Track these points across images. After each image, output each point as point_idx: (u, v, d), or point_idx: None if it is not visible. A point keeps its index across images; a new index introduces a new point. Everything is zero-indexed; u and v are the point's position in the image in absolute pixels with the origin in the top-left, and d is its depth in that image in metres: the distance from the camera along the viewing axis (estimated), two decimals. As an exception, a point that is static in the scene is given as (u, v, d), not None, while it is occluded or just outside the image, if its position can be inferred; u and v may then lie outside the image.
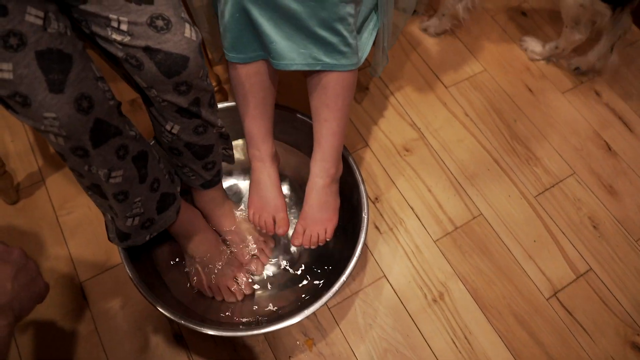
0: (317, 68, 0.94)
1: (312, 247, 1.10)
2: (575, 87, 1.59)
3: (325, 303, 1.02)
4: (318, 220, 1.09)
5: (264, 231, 1.13)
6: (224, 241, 1.19)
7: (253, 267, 1.18)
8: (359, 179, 1.15)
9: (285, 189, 1.29)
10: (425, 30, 1.67)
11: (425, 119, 1.50)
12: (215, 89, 1.33)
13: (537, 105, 1.55)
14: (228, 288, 1.13)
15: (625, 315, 1.24)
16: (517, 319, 1.22)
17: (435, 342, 1.19)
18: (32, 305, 0.70)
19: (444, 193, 1.39)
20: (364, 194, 1.14)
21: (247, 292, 1.15)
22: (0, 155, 1.33)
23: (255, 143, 1.08)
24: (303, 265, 1.20)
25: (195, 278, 1.14)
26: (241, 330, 1.01)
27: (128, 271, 1.03)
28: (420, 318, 1.21)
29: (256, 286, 1.17)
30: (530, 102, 1.55)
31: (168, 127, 0.94)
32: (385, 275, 1.26)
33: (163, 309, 0.99)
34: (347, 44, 0.92)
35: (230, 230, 1.18)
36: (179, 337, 1.16)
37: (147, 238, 1.03)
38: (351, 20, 0.91)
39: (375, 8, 1.06)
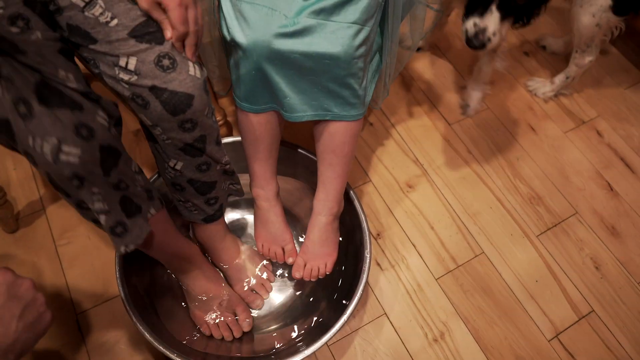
0: (327, 118, 0.98)
1: (312, 280, 1.13)
2: (577, 126, 1.60)
3: (326, 343, 1.01)
4: (319, 255, 1.12)
5: (275, 260, 1.18)
6: (224, 276, 1.18)
7: (253, 302, 1.17)
8: (362, 216, 1.16)
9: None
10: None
11: (428, 155, 1.50)
12: (220, 122, 1.34)
13: (539, 144, 1.56)
14: (227, 325, 1.12)
15: (627, 359, 1.23)
16: (519, 361, 1.21)
17: (435, 384, 1.17)
18: (35, 342, 0.68)
19: (446, 230, 1.38)
20: (367, 232, 1.14)
21: (246, 329, 1.13)
22: (2, 183, 1.33)
23: (260, 183, 1.11)
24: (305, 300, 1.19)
25: (194, 314, 1.13)
26: (239, 369, 1.00)
27: (128, 310, 1.01)
28: (420, 358, 1.19)
29: (255, 320, 1.16)
30: (533, 141, 1.56)
31: (171, 164, 0.94)
32: (385, 313, 1.24)
33: (163, 347, 0.97)
34: (357, 96, 0.96)
35: (231, 266, 1.17)
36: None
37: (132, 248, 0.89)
38: (361, 74, 0.94)
39: (379, 50, 1.07)
